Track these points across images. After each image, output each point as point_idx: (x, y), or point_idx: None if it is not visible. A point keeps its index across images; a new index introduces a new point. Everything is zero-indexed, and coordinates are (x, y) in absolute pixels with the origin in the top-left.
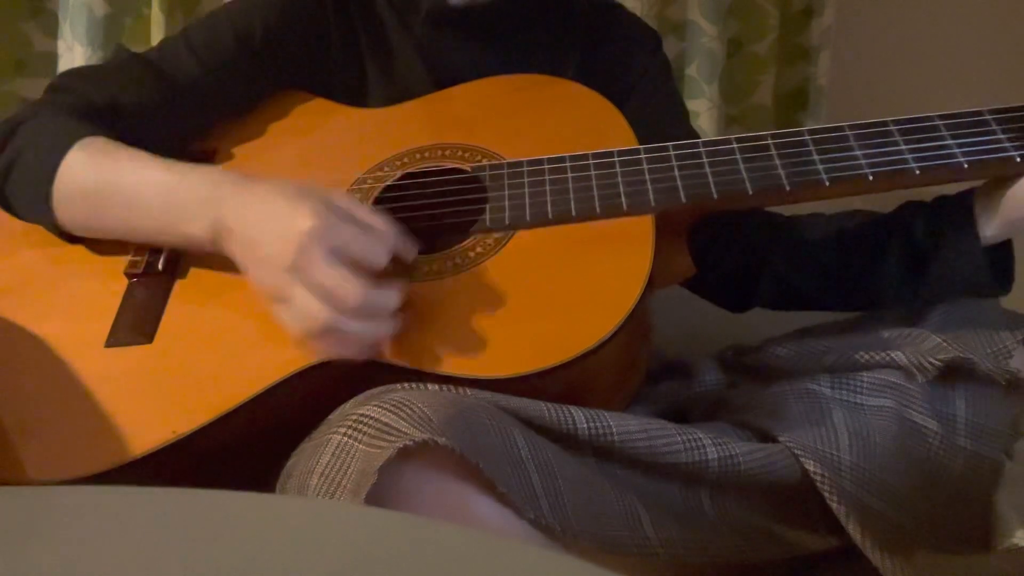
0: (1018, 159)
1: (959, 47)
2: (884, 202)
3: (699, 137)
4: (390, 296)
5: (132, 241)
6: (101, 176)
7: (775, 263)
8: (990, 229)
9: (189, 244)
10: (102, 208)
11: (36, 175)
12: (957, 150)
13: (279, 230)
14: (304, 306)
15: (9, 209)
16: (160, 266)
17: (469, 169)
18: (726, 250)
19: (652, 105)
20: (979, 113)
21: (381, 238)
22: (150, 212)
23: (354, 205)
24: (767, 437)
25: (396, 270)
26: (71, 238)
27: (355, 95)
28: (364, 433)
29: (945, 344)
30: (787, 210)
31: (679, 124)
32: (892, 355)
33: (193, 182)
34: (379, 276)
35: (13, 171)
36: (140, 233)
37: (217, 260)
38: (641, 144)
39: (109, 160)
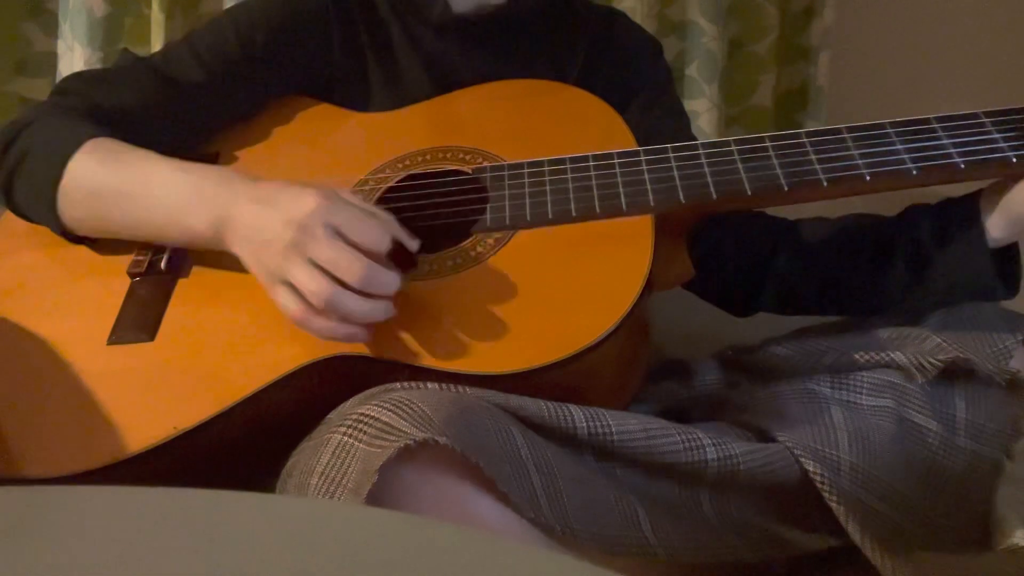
0: (1014, 159)
1: (959, 48)
2: (885, 202)
3: None
4: (391, 276)
5: (138, 239)
6: (108, 175)
7: (780, 268)
8: (996, 232)
9: (193, 240)
10: (108, 207)
11: (42, 176)
12: (953, 150)
13: (283, 214)
14: (305, 282)
15: (16, 210)
16: (163, 265)
17: (470, 171)
18: (730, 255)
19: (653, 113)
20: (975, 115)
21: (383, 223)
22: (155, 209)
23: (357, 197)
24: (767, 437)
25: (399, 266)
26: (75, 239)
27: (358, 100)
28: (364, 432)
29: (945, 344)
30: (791, 214)
31: (680, 132)
32: (892, 355)
33: (200, 179)
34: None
35: (20, 172)
36: (145, 231)
37: (219, 259)
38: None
39: (116, 159)
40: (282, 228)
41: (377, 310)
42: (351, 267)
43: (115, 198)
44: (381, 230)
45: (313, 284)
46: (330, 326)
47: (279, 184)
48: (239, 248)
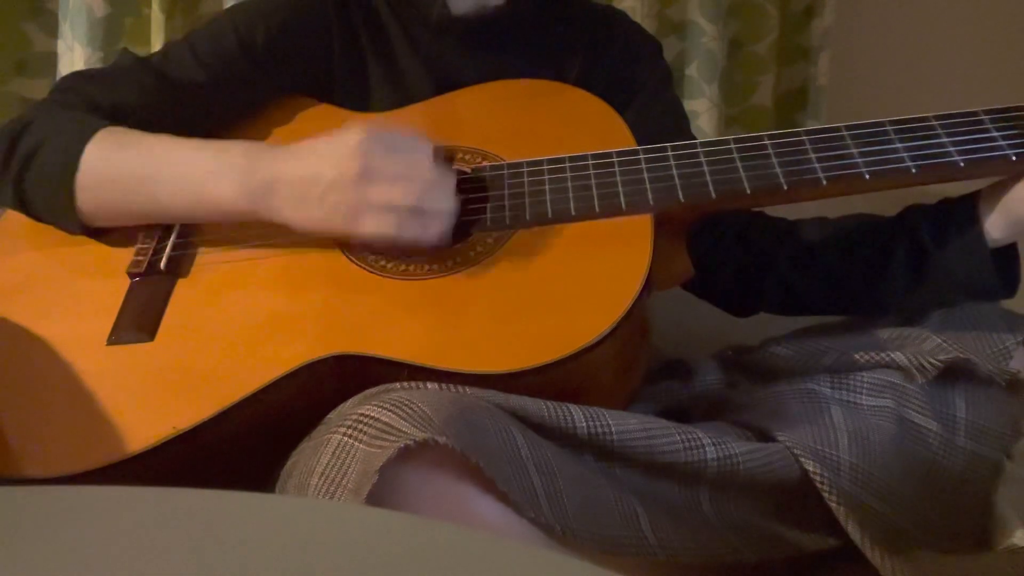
0: (1013, 157)
1: (958, 47)
2: (885, 201)
3: None
4: (447, 170)
5: (165, 222)
6: (128, 160)
7: (779, 268)
8: (996, 231)
9: (226, 215)
10: (130, 192)
11: (58, 169)
12: (953, 149)
13: (333, 157)
14: (388, 198)
15: (25, 207)
16: (162, 265)
17: (470, 171)
18: (729, 254)
19: (653, 113)
20: (974, 114)
21: (415, 136)
22: (182, 189)
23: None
24: (767, 437)
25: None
26: (89, 232)
27: (358, 101)
28: (364, 433)
29: (945, 345)
30: (791, 214)
31: (679, 132)
32: (892, 355)
33: (222, 151)
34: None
35: (31, 168)
36: (174, 211)
37: (220, 259)
38: None
39: (133, 145)
40: (345, 165)
41: (452, 201)
42: (423, 165)
43: (138, 182)
44: (419, 139)
45: (400, 192)
46: (425, 225)
47: (305, 141)
48: (289, 210)
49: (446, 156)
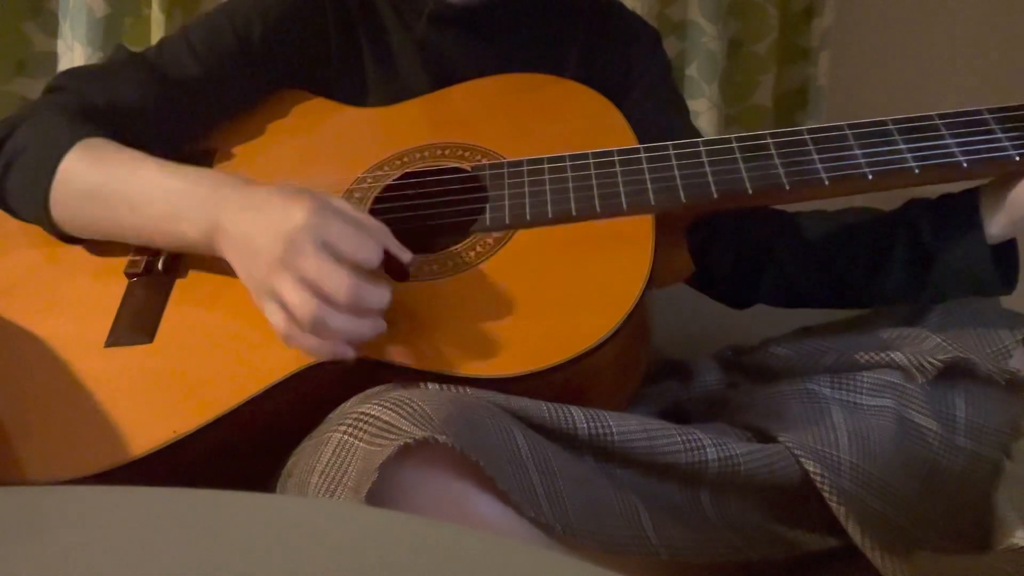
0: (1017, 158)
1: (958, 47)
2: (885, 201)
3: (699, 135)
4: (381, 293)
5: (129, 243)
6: (99, 178)
7: (778, 260)
8: (996, 227)
9: (185, 246)
10: (99, 210)
11: (34, 176)
12: (956, 149)
13: (272, 225)
14: (292, 300)
15: (9, 210)
16: (160, 266)
17: (469, 168)
18: (728, 246)
19: (652, 102)
20: (978, 112)
21: (374, 235)
22: (147, 214)
23: (349, 206)
24: (767, 437)
25: (393, 275)
26: (70, 239)
27: (355, 94)
28: (364, 431)
29: (945, 344)
30: (790, 207)
31: (679, 121)
32: (892, 355)
33: (191, 184)
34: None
35: (11, 171)
36: (136, 235)
37: (217, 261)
38: (641, 141)
39: (107, 162)
40: (271, 240)
41: (364, 327)
42: (339, 285)
43: (106, 203)
44: (372, 243)
45: (298, 301)
46: (315, 343)
47: (269, 191)
48: (231, 256)
49: (405, 267)
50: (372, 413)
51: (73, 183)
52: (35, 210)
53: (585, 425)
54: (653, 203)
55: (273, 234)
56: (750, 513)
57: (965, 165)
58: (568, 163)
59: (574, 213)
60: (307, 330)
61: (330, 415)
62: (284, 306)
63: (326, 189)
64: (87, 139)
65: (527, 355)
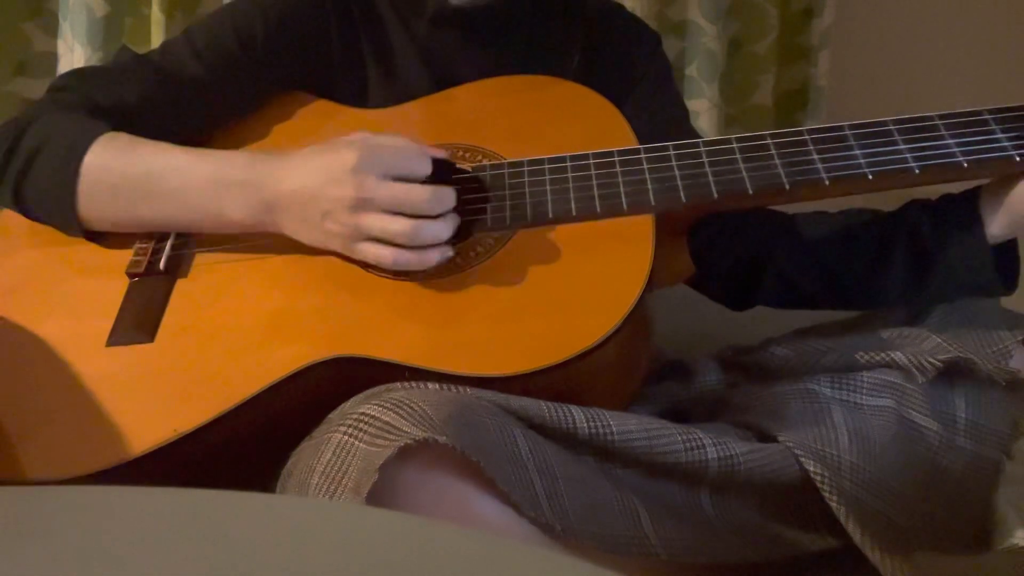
0: (1017, 158)
1: (959, 47)
2: (885, 201)
3: (699, 137)
4: (445, 192)
5: (167, 230)
6: (131, 169)
7: (778, 261)
8: (996, 228)
9: (229, 228)
10: (135, 201)
11: (59, 173)
12: (956, 149)
13: (331, 175)
14: (391, 227)
15: (23, 209)
16: (161, 266)
17: (470, 169)
18: (728, 247)
19: (652, 105)
20: (978, 113)
21: (414, 150)
22: (188, 202)
23: (373, 135)
24: (767, 437)
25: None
26: (88, 235)
27: (356, 96)
28: (365, 432)
29: (945, 344)
30: (790, 207)
31: (679, 124)
32: (892, 355)
33: (227, 167)
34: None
35: (30, 172)
36: (176, 224)
37: (218, 259)
38: (641, 142)
39: (136, 153)
40: (338, 191)
41: (450, 224)
42: (419, 198)
43: (140, 194)
44: (418, 157)
45: (396, 226)
46: (422, 256)
47: (307, 152)
48: (293, 226)
49: (448, 160)
50: (372, 414)
51: (103, 177)
52: (60, 208)
53: (585, 425)
54: (653, 203)
55: (336, 183)
56: (750, 513)
57: (965, 165)
58: (569, 163)
59: (574, 213)
60: (416, 246)
61: (330, 415)
62: (382, 238)
63: None
64: (109, 133)
65: (527, 354)
